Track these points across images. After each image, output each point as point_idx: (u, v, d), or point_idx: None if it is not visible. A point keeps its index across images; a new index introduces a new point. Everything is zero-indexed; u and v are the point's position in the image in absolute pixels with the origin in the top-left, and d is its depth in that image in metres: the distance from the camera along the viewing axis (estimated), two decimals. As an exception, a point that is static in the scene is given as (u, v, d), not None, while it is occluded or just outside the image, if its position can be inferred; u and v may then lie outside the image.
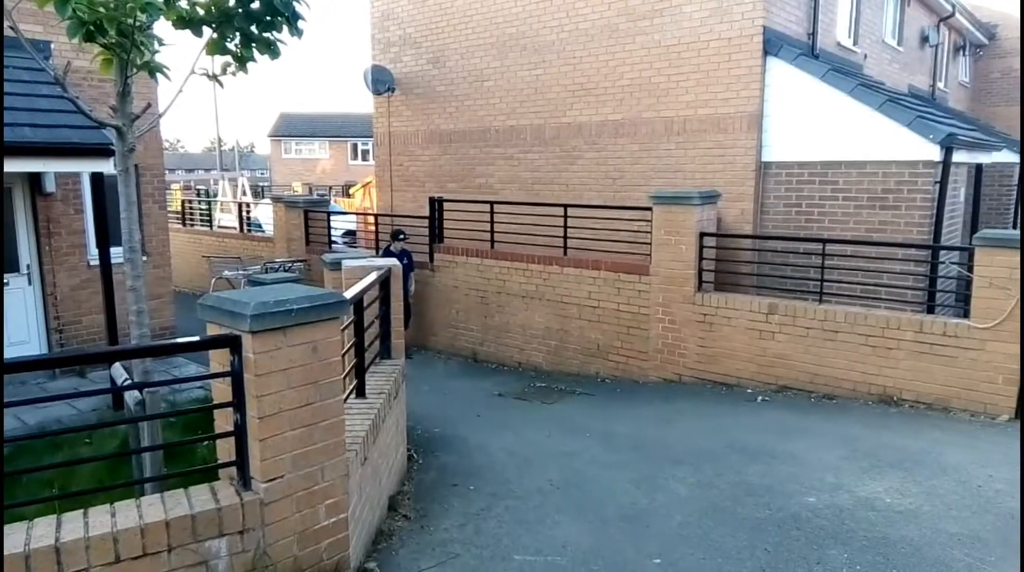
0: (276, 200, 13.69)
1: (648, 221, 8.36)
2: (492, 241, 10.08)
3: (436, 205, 10.81)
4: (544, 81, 10.85)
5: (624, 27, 9.84)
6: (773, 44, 8.66)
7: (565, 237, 9.27)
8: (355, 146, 40.13)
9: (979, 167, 11.40)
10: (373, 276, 4.58)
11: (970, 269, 6.46)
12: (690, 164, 9.46)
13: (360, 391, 4.26)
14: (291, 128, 40.77)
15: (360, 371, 4.26)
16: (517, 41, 11.06)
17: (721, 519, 4.25)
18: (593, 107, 10.37)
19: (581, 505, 4.55)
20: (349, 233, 15.52)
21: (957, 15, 15.05)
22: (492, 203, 10.17)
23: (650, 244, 8.35)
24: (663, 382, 8.31)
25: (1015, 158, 13.32)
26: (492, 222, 10.02)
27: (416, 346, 10.89)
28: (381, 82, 12.74)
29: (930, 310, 7.36)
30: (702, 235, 8.01)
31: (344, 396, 4.02)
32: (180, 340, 3.13)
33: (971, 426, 6.08)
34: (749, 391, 7.50)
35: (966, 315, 6.49)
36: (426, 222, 10.83)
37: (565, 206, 9.38)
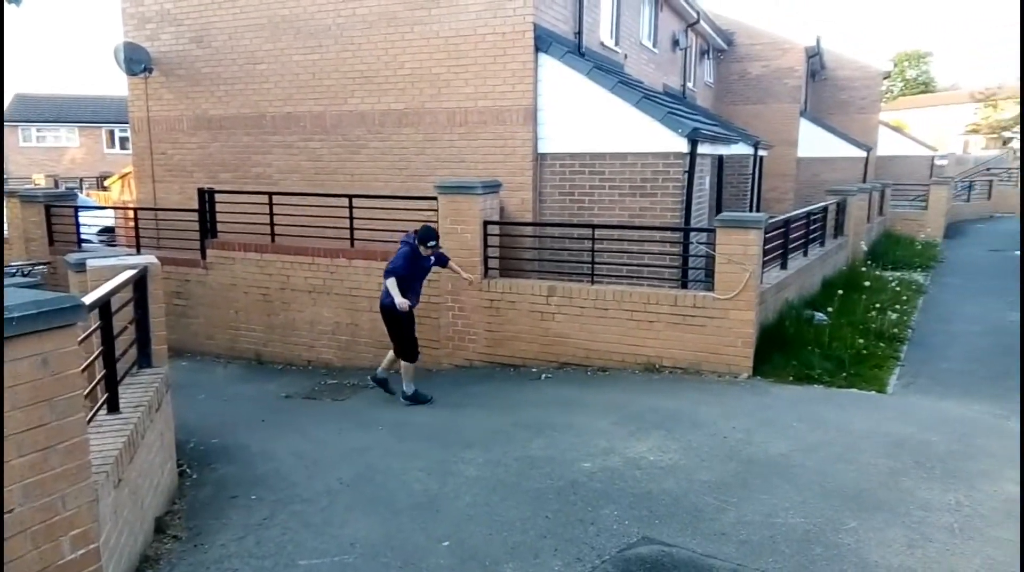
0: (10, 195, 11.78)
1: (435, 210, 8.43)
2: (273, 235, 9.55)
3: (207, 197, 9.98)
4: (322, 67, 10.46)
5: (403, 15, 9.78)
6: (543, 41, 9.12)
7: (352, 228, 9.05)
8: (111, 133, 35.68)
9: (721, 158, 12.98)
10: (124, 276, 4.11)
11: (713, 247, 7.35)
12: (473, 155, 9.69)
13: (113, 405, 3.81)
14: (31, 112, 35.23)
15: (112, 383, 3.80)
16: (291, 24, 10.53)
17: (507, 494, 4.43)
18: (375, 95, 10.20)
19: (372, 500, 4.49)
20: (107, 230, 13.85)
21: (702, 22, 16.94)
22: (271, 194, 9.62)
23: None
24: (455, 368, 8.46)
25: (749, 150, 15.36)
26: (272, 214, 9.49)
27: (190, 352, 10.02)
28: (136, 61, 11.45)
29: (684, 286, 8.23)
30: (486, 223, 8.25)
31: (91, 413, 3.58)
32: None
33: (719, 385, 6.94)
34: (534, 370, 7.89)
35: (712, 288, 7.37)
36: (196, 216, 9.97)
37: (350, 196, 9.14)
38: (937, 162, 30.47)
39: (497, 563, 3.60)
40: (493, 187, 8.53)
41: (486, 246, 8.24)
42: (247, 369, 9.52)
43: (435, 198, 8.35)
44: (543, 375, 7.73)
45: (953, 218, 21.96)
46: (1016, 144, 41.46)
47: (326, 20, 10.28)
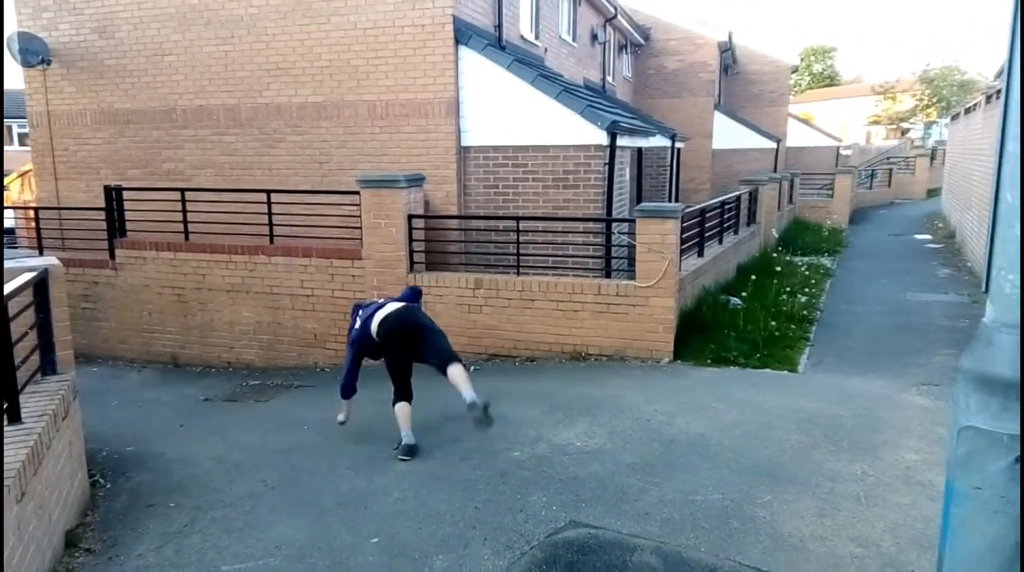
0: None
1: (358, 205, 8.31)
2: (187, 232, 9.18)
3: (114, 195, 9.51)
4: (235, 58, 10.11)
5: (318, 6, 9.55)
6: (463, 34, 9.10)
7: (271, 224, 8.81)
8: (9, 128, 33.45)
9: (640, 150, 13.29)
10: (22, 280, 3.88)
11: (634, 237, 7.53)
12: (396, 148, 9.58)
13: (14, 416, 3.60)
14: (-89, 104, 32.55)
15: (11, 392, 3.59)
16: (201, 14, 10.12)
17: (437, 487, 4.43)
18: (292, 88, 9.94)
19: (298, 501, 4.40)
20: (8, 231, 13.04)
21: (619, 17, 17.25)
22: (183, 190, 9.25)
23: (361, 228, 8.31)
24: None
25: (667, 143, 15.77)
26: (185, 211, 9.12)
27: (101, 357, 9.55)
28: (32, 52, 10.76)
29: (607, 275, 8.41)
30: (411, 217, 8.19)
31: (-12, 424, 3.37)
32: None
33: (642, 370, 7.13)
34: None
35: (634, 277, 7.55)
36: (103, 215, 9.48)
37: (268, 191, 8.89)
38: (842, 152, 32.15)
39: (427, 556, 3.60)
40: (417, 180, 8.47)
41: (411, 240, 8.18)
42: (163, 373, 9.14)
43: (356, 192, 8.23)
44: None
45: (857, 205, 23.23)
46: (914, 134, 44.14)
47: (238, 10, 9.93)
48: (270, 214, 8.78)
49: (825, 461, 4.62)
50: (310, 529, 3.98)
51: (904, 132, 45.42)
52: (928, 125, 44.13)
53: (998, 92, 9.82)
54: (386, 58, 9.40)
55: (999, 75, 9.88)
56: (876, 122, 47.07)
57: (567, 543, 3.61)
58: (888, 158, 34.04)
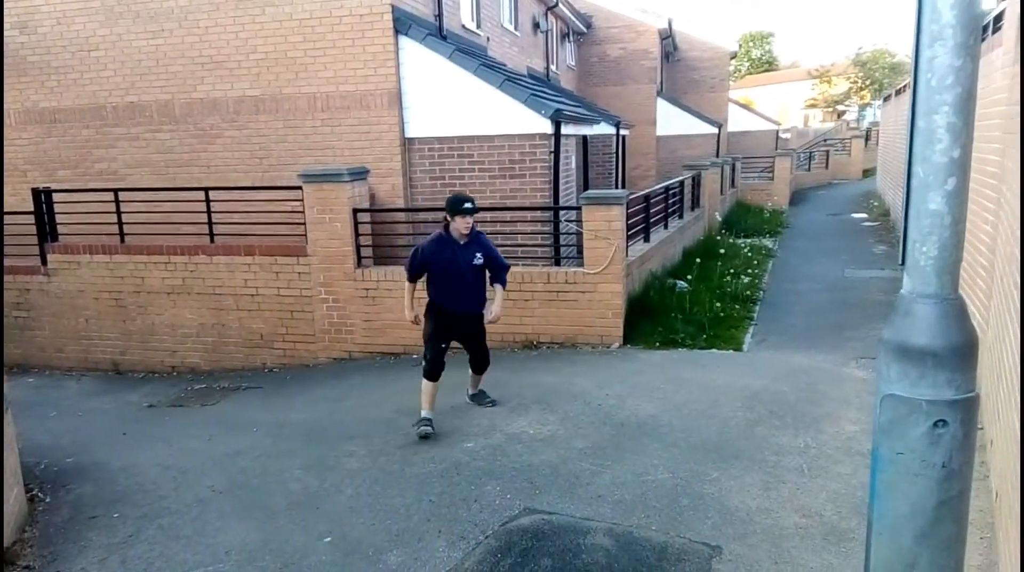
0: None
1: (301, 201, 8.15)
2: (122, 234, 8.86)
3: (43, 198, 9.11)
4: (166, 52, 9.77)
5: (252, -3, 9.30)
6: (403, 23, 8.99)
7: (210, 223, 8.57)
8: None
9: (585, 138, 13.38)
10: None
11: (581, 225, 7.58)
12: (338, 141, 9.42)
13: (-62, 432, 3.43)
14: None
15: (-66, 408, 3.42)
16: (128, 7, 9.74)
17: (390, 483, 4.40)
18: (228, 82, 9.66)
19: (248, 504, 4.32)
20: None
21: (560, 5, 17.28)
22: (116, 191, 8.92)
23: (305, 224, 8.16)
24: (334, 362, 8.27)
25: (612, 130, 15.90)
26: (119, 212, 8.80)
27: (37, 367, 9.17)
28: (-56, 48, 10.18)
29: (557, 263, 8.45)
30: (356, 211, 8.07)
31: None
32: None
33: (593, 356, 7.21)
34: (415, 357, 7.85)
35: (583, 264, 7.61)
36: (32, 219, 9.07)
37: (206, 189, 8.65)
38: (781, 135, 33.00)
39: (381, 552, 3.58)
40: (361, 174, 8.36)
41: (357, 235, 8.07)
42: (104, 381, 8.83)
43: (300, 188, 8.07)
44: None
45: (797, 187, 23.89)
46: (849, 116, 45.56)
47: (167, 2, 9.60)
48: (209, 212, 8.54)
49: (770, 436, 4.76)
50: (261, 532, 3.91)
51: (840, 114, 46.89)
52: (862, 107, 45.67)
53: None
54: (324, 49, 9.22)
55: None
56: (813, 105, 48.47)
57: (521, 530, 3.64)
58: (825, 140, 35.08)
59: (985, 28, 6.12)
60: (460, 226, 5.02)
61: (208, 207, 8.54)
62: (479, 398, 5.78)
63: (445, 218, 5.14)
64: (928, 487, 1.35)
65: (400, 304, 7.87)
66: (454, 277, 5.13)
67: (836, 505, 3.80)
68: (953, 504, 1.37)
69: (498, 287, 5.34)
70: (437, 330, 5.23)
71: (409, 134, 9.34)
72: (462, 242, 5.10)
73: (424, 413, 5.20)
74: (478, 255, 5.14)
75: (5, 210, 10.06)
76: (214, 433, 6.02)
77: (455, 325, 5.29)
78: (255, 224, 8.46)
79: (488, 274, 5.29)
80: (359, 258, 8.13)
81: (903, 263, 1.41)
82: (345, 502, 4.20)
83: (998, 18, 5.49)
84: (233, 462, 5.10)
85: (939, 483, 1.35)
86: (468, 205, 5.02)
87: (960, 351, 1.33)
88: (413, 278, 5.28)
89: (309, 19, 9.19)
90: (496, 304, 5.35)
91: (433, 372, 5.23)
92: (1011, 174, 4.08)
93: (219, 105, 9.74)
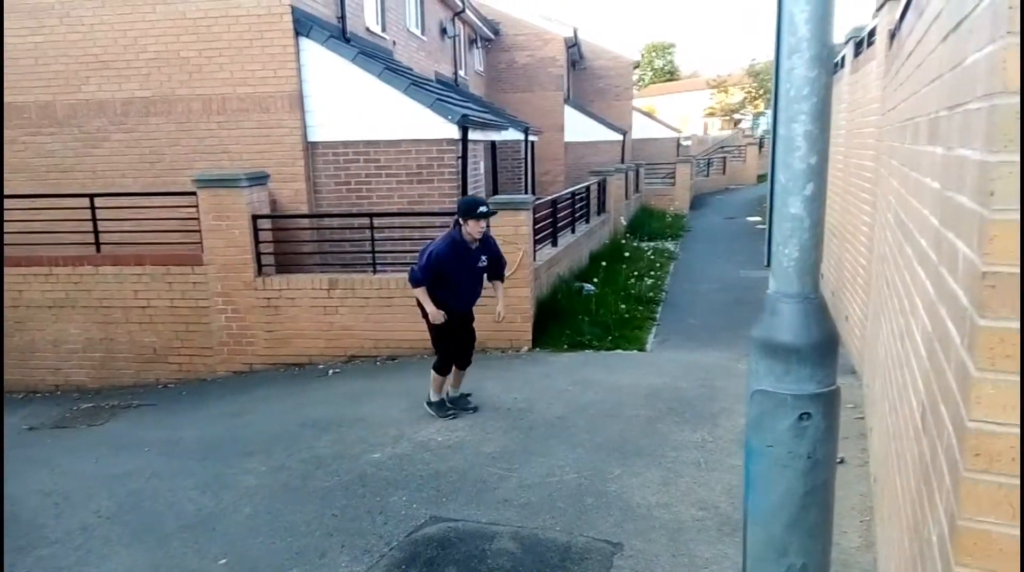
0: None
1: (196, 206, 7.78)
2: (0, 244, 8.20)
3: (-99, 205, 8.29)
4: (47, 51, 9.13)
5: (140, -7, 8.84)
6: (304, 25, 8.76)
7: (96, 232, 8.06)
8: None
9: (494, 144, 13.46)
10: None
11: (489, 229, 7.59)
12: (236, 145, 9.07)
13: None
14: None
15: None
16: (4, 2, 9.03)
17: (291, 499, 4.26)
18: (115, 82, 9.13)
19: (137, 529, 4.08)
20: None
21: (467, 11, 17.33)
22: (-11, 198, 8.24)
23: (200, 231, 7.80)
24: (234, 375, 7.93)
25: (520, 136, 16.08)
26: (-8, 221, 8.13)
27: None
28: None
29: (466, 268, 8.44)
30: (255, 217, 7.79)
31: None
32: None
33: (503, 360, 7.24)
34: (321, 367, 7.65)
35: (490, 269, 7.62)
36: None
37: (91, 195, 8.13)
38: (682, 143, 34.32)
39: (280, 571, 3.45)
40: (260, 179, 8.08)
41: (257, 242, 7.79)
42: (-24, 404, 8.12)
43: (194, 193, 7.71)
44: (330, 371, 7.53)
45: (697, 191, 24.93)
46: (744, 124, 47.92)
47: (46, -3, 8.98)
48: (95, 220, 8.04)
49: (670, 432, 4.92)
50: (151, 557, 3.70)
51: (736, 123, 49.24)
52: (756, 116, 48.11)
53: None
54: (220, 50, 8.87)
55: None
56: (712, 114, 50.67)
57: (427, 539, 3.60)
58: (723, 147, 36.75)
59: (860, 43, 6.58)
60: (474, 230, 5.05)
61: (94, 215, 8.04)
62: (463, 402, 5.68)
63: (456, 220, 5.12)
64: (796, 477, 1.42)
65: (303, 312, 7.70)
66: (464, 278, 5.24)
67: (731, 497, 3.96)
68: (819, 492, 1.45)
69: (498, 284, 5.53)
70: (448, 330, 5.30)
71: (312, 138, 9.11)
72: (473, 246, 5.14)
73: (449, 393, 5.57)
74: (483, 258, 5.26)
75: None
76: (101, 454, 5.65)
77: (459, 323, 5.39)
78: (147, 232, 8.01)
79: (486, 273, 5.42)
80: (260, 266, 7.84)
81: (768, 264, 1.49)
82: (243, 521, 4.03)
83: (871, 33, 5.91)
84: (122, 485, 4.80)
85: (805, 473, 1.43)
86: (483, 209, 5.06)
87: (820, 348, 1.41)
88: (425, 282, 5.15)
89: (204, 18, 8.82)
90: (501, 302, 5.55)
91: (447, 367, 5.44)
92: (883, 178, 4.39)
93: (106, 107, 9.19)
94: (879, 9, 5.44)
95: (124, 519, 4.23)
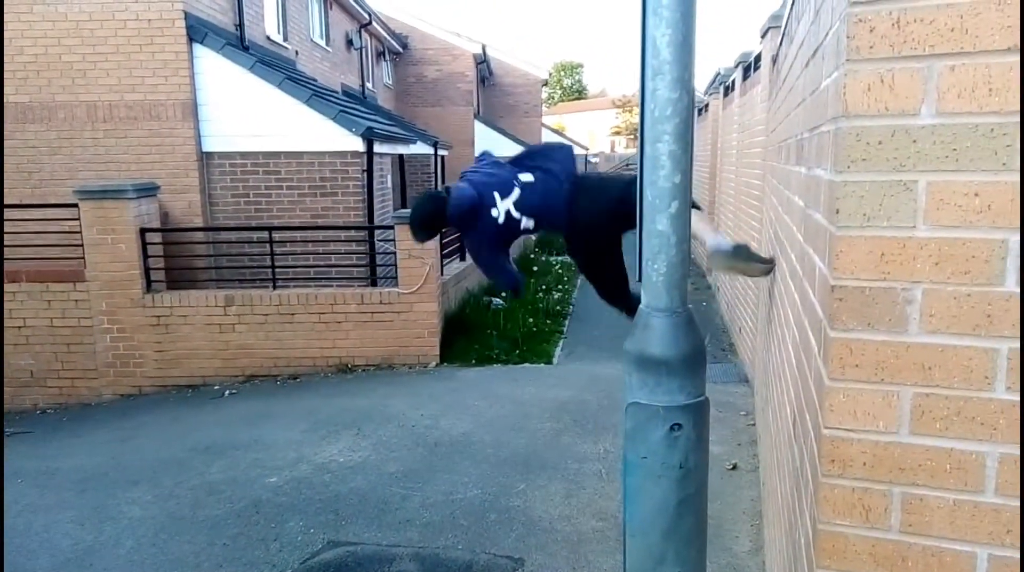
0: None
1: (78, 219, 7.30)
2: None
3: None
4: (-97, 48, 8.36)
5: (15, -9, 8.24)
6: (198, 31, 8.42)
7: (-38, 246, 7.40)
8: None
9: (402, 157, 13.34)
10: None
11: (395, 244, 7.51)
12: (124, 154, 8.58)
13: None
14: None
15: None
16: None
17: (179, 529, 4.02)
18: (-14, 85, 8.46)
19: (6, 568, 3.72)
20: None
21: (374, 23, 17.16)
22: None
23: (83, 246, 7.31)
24: (121, 398, 7.46)
25: (430, 150, 16.04)
26: None
27: None
28: None
29: (374, 283, 8.31)
30: (144, 231, 7.39)
31: None
32: None
33: (409, 377, 7.14)
34: (216, 388, 7.30)
35: (398, 284, 7.54)
36: None
37: (-43, 208, 7.47)
38: (590, 159, 35.20)
39: (163, 607, 3.24)
40: (149, 190, 7.67)
41: (146, 257, 7.39)
42: None
43: (75, 205, 7.23)
44: (226, 392, 7.19)
45: (606, 207, 25.51)
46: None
47: (-98, -11, 8.22)
48: (-39, 234, 7.38)
49: (573, 444, 4.97)
50: (15, 602, 3.39)
51: (642, 141, 50.92)
52: (660, 135, 49.89)
53: (706, 106, 11.37)
54: (107, 54, 8.39)
55: (707, 91, 11.45)
56: (618, 132, 52.27)
57: (323, 566, 3.47)
58: (628, 165, 37.89)
59: (748, 67, 6.95)
60: None
61: (-41, 227, 7.37)
62: None
63: None
64: (669, 487, 1.46)
65: (197, 331, 7.33)
66: None
67: (631, 506, 4.03)
68: (692, 501, 1.49)
69: None
70: None
71: (208, 148, 8.73)
72: None
73: None
74: None
75: None
76: (-37, 491, 5.15)
77: None
78: (22, 246, 7.43)
79: None
80: (149, 282, 7.43)
81: (640, 279, 1.52)
82: (124, 555, 3.76)
83: (758, 59, 6.26)
84: (-15, 522, 4.38)
85: (678, 482, 1.46)
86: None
87: (689, 360, 1.46)
88: None
89: (88, 21, 8.32)
90: None
91: None
92: (767, 196, 4.63)
93: (-26, 111, 8.49)
94: (763, 36, 5.78)
95: (-14, 561, 3.86)
